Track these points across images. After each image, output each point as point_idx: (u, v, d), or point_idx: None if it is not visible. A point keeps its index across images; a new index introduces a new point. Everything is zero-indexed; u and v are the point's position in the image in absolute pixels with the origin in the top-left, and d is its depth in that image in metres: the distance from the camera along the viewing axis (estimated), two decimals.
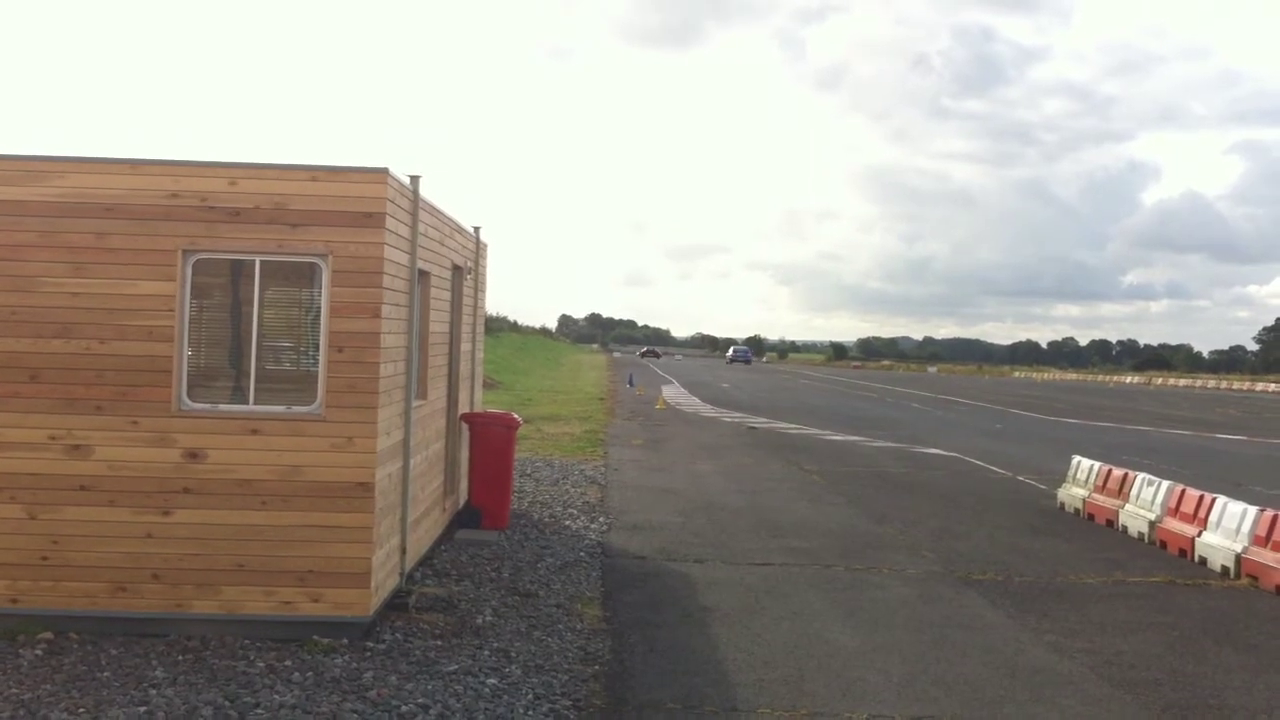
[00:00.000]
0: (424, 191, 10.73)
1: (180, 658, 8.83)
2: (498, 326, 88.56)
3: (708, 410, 42.71)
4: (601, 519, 16.22)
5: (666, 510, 17.50)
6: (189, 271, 9.52)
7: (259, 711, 7.74)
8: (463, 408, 14.73)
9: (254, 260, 9.63)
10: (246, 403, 9.66)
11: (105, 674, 8.39)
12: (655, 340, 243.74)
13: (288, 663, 8.78)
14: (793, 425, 36.34)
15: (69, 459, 9.35)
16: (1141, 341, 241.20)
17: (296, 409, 9.60)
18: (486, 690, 8.37)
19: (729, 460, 25.14)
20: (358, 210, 9.51)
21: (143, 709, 7.68)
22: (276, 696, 8.02)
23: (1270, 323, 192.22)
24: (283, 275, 10.12)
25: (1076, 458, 19.72)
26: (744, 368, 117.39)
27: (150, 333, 9.41)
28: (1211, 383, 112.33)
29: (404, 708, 7.91)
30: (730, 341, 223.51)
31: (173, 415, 9.42)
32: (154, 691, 8.03)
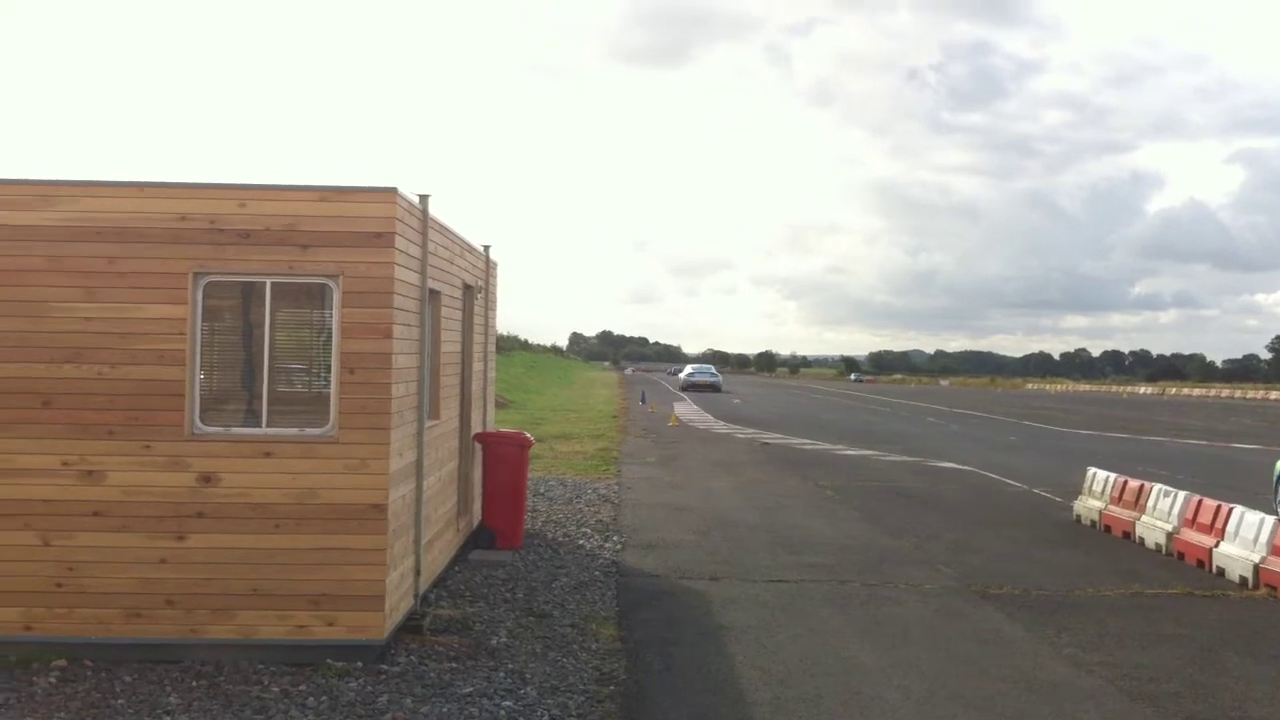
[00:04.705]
0: (433, 210, 10.72)
1: (195, 684, 8.79)
2: (509, 345, 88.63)
3: (720, 427, 42.65)
4: (615, 538, 16.17)
5: (681, 528, 17.44)
6: (200, 294, 9.51)
7: None
8: (475, 427, 14.70)
9: (265, 282, 9.62)
10: (259, 425, 9.63)
11: (120, 701, 8.35)
12: (667, 357, 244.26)
13: (303, 687, 8.73)
14: (806, 441, 36.27)
15: (82, 485, 9.34)
16: (1154, 352, 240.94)
17: (309, 431, 9.57)
18: (502, 713, 8.32)
19: (743, 476, 25.08)
20: (368, 230, 9.50)
21: None
22: None
23: None
24: (294, 296, 10.09)
25: (1092, 469, 19.62)
26: (755, 383, 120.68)
27: (162, 356, 9.40)
28: (1225, 392, 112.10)
29: None
30: (743, 357, 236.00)
31: (186, 439, 9.40)
32: (168, 718, 7.99)
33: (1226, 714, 9.00)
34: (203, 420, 9.54)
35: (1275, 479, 20.04)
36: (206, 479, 9.38)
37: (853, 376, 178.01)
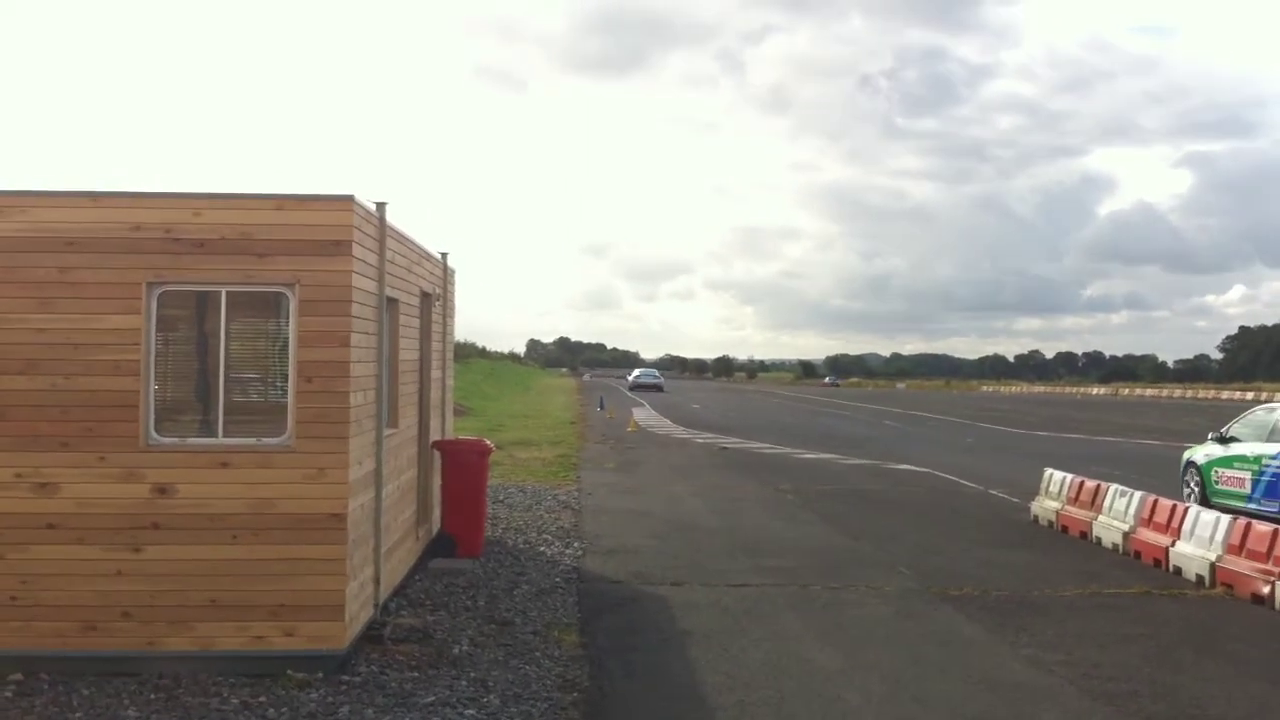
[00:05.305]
0: (390, 218, 10.66)
1: (153, 696, 8.69)
2: (466, 353, 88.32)
3: (680, 432, 42.68)
4: (576, 544, 16.14)
5: (641, 533, 17.43)
6: (154, 304, 9.41)
7: None
8: (434, 435, 14.64)
9: (220, 291, 9.54)
10: (215, 436, 9.54)
11: (77, 715, 8.25)
12: (625, 363, 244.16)
13: (262, 699, 8.65)
14: (765, 445, 36.36)
15: (36, 497, 9.21)
16: (1106, 353, 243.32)
17: (266, 441, 9.49)
18: None
19: (703, 481, 25.10)
20: (324, 239, 9.43)
21: None
22: None
23: (1231, 331, 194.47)
24: (249, 306, 10.02)
25: (1048, 470, 19.78)
26: (713, 388, 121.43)
27: (116, 367, 9.30)
28: (1178, 392, 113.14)
29: None
30: (700, 362, 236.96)
31: (140, 450, 9.30)
32: None
33: (1185, 712, 9.08)
34: (158, 431, 9.44)
35: (1183, 468, 21.73)
36: (162, 490, 9.27)
37: (827, 380, 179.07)
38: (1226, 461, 20.06)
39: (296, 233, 9.42)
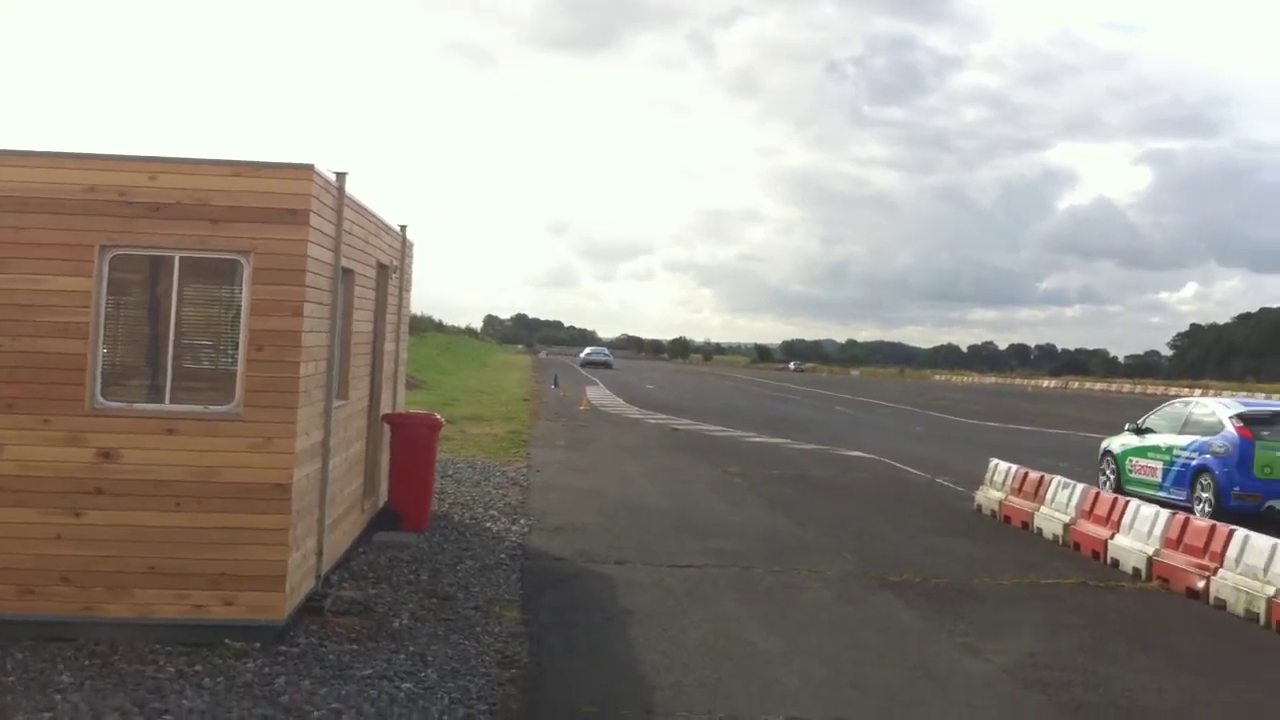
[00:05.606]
0: (351, 189, 10.62)
1: (88, 662, 8.64)
2: (423, 326, 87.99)
3: (633, 412, 42.74)
4: (523, 521, 16.16)
5: (588, 512, 17.48)
6: (106, 267, 9.33)
7: (168, 717, 7.58)
8: (385, 408, 14.60)
9: (173, 256, 9.47)
10: (162, 401, 9.47)
11: (10, 679, 8.19)
12: (581, 341, 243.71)
13: (198, 667, 8.62)
14: (717, 427, 36.48)
15: None
16: (1059, 346, 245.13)
17: (214, 408, 9.44)
18: (401, 695, 8.29)
19: (653, 462, 25.17)
20: (281, 207, 9.37)
21: (48, 715, 7.51)
22: (186, 702, 7.87)
23: (1183, 328, 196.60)
24: (203, 272, 9.95)
25: (994, 460, 19.98)
26: (668, 369, 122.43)
27: (65, 329, 9.20)
28: (1127, 387, 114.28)
29: (316, 713, 7.79)
30: (657, 343, 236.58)
31: (86, 414, 9.22)
32: (59, 697, 7.85)
33: (1116, 702, 9.24)
34: (104, 395, 9.37)
35: (1100, 456, 22.99)
36: (106, 455, 9.21)
37: (792, 365, 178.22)
38: (1141, 451, 21.17)
39: (253, 200, 9.35)
